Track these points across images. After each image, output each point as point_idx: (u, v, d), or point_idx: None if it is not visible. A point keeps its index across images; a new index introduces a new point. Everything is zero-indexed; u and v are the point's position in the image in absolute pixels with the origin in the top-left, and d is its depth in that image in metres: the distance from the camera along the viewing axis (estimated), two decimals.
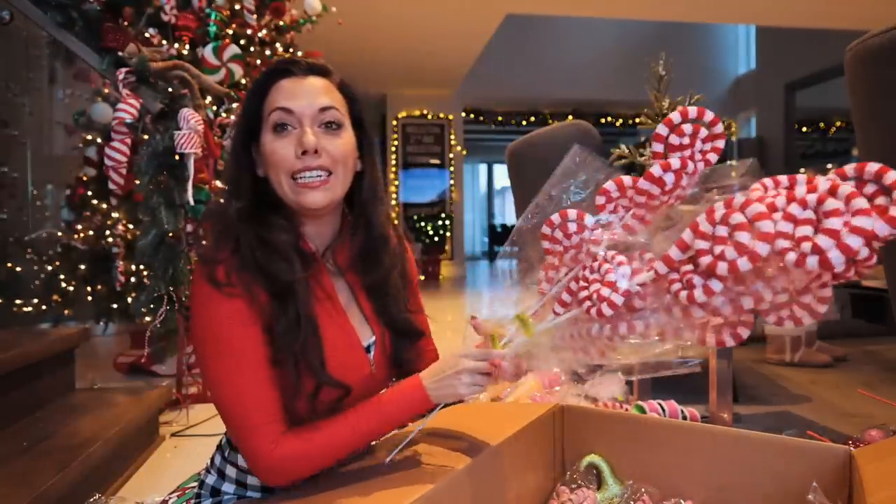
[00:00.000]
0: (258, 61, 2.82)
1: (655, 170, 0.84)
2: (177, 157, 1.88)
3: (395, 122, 8.67)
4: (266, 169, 0.89)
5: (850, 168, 0.68)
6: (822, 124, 10.24)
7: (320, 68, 0.92)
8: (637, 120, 10.10)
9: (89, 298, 2.75)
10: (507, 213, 14.79)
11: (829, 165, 10.56)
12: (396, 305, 0.98)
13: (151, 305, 1.95)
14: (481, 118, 10.19)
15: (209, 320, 0.83)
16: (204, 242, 0.90)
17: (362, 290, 0.97)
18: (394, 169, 8.69)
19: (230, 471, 0.97)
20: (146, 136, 1.90)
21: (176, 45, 2.50)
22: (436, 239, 8.52)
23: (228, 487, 0.97)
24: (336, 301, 0.93)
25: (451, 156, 8.99)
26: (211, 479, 0.99)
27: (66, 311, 2.83)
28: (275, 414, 0.83)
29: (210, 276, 0.83)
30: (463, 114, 9.39)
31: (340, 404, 0.89)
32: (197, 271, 0.86)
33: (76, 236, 2.78)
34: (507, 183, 3.05)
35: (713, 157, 0.87)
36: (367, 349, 0.96)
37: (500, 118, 10.29)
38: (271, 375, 0.83)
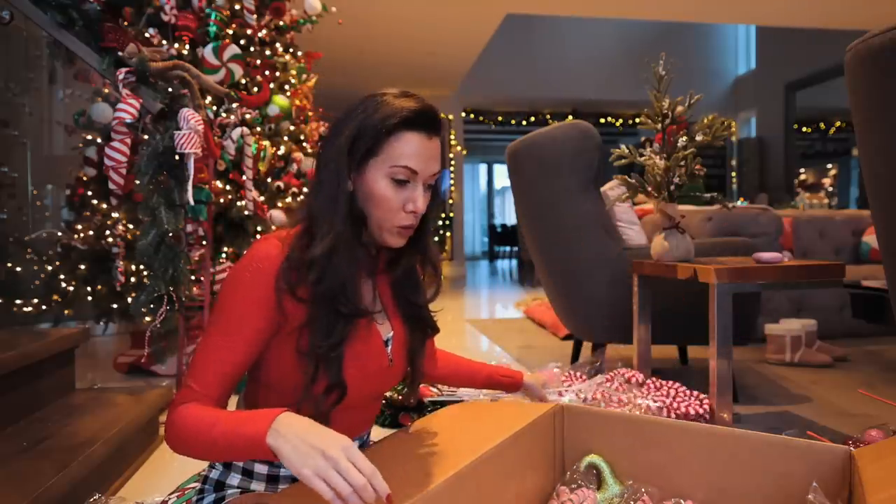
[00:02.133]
0: (258, 61, 2.82)
1: None
2: (177, 157, 1.88)
3: None
4: (366, 202, 0.92)
5: None
6: (822, 124, 10.24)
7: (440, 125, 0.95)
8: (637, 120, 10.11)
9: (89, 298, 2.75)
10: (507, 213, 14.79)
11: (829, 165, 10.57)
12: (418, 298, 1.04)
13: (151, 305, 1.95)
14: (481, 118, 10.19)
15: (237, 284, 0.88)
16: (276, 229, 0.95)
17: (388, 288, 1.03)
18: None
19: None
20: (146, 136, 1.90)
21: (176, 45, 2.50)
22: (436, 239, 8.51)
23: (234, 479, 0.97)
24: (368, 288, 1.00)
25: (451, 156, 8.99)
26: (215, 474, 0.99)
27: (66, 311, 2.83)
28: (210, 386, 0.86)
29: (275, 253, 0.88)
30: (463, 114, 9.39)
31: (342, 405, 0.92)
32: (270, 243, 0.90)
33: (76, 236, 2.78)
34: (507, 183, 3.05)
35: None
36: (386, 343, 1.00)
37: (500, 118, 10.29)
38: (241, 358, 0.87)
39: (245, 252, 0.92)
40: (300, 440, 0.72)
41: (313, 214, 0.91)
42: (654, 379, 1.86)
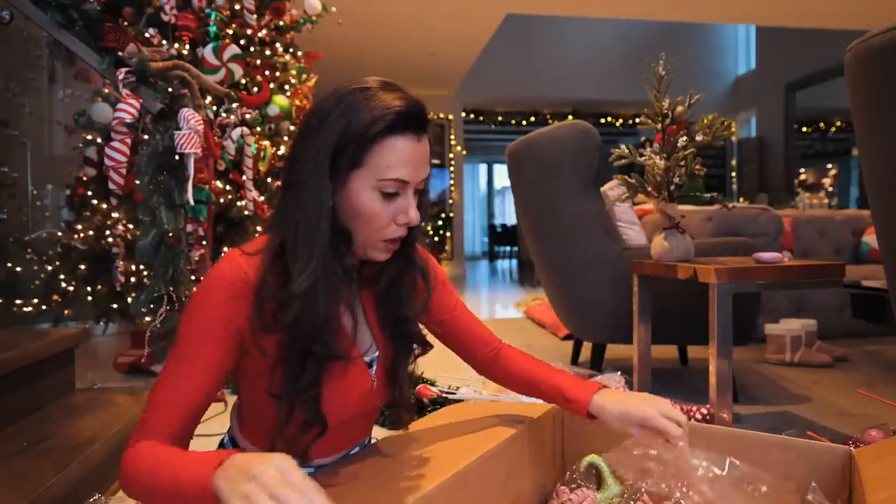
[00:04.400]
0: (258, 61, 2.82)
1: None
2: (177, 157, 1.88)
3: None
4: (350, 215, 0.81)
5: None
6: (822, 124, 10.24)
7: (428, 123, 0.84)
8: (637, 120, 10.11)
9: (89, 298, 2.75)
10: (507, 213, 14.79)
11: (829, 165, 10.57)
12: (403, 311, 0.93)
13: (151, 305, 1.95)
14: (481, 118, 10.19)
15: (201, 308, 0.79)
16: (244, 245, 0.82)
17: (371, 305, 0.94)
18: None
19: None
20: (146, 136, 1.90)
21: (176, 45, 2.50)
22: (436, 239, 8.52)
23: None
24: (347, 317, 0.91)
25: (451, 156, 8.99)
26: None
27: (66, 311, 2.83)
28: (166, 421, 0.76)
29: (240, 277, 0.79)
30: (463, 114, 9.39)
31: (320, 438, 0.86)
32: (229, 262, 0.80)
33: (76, 236, 2.78)
34: (507, 183, 3.05)
35: None
36: (370, 364, 0.93)
37: (500, 118, 10.29)
38: (199, 389, 0.78)
39: (201, 284, 0.82)
40: (234, 468, 0.63)
41: (287, 238, 0.80)
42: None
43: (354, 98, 0.79)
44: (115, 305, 2.73)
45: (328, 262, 0.80)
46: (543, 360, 1.11)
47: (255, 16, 2.81)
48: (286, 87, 2.99)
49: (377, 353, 0.94)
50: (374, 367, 0.94)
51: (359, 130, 0.78)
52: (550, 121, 9.88)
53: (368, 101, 0.79)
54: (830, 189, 10.23)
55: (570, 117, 9.96)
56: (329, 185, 0.79)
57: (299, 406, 0.82)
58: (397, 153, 0.79)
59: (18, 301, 2.81)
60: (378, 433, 1.13)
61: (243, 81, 2.75)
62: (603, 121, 10.38)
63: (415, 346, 0.97)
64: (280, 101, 2.82)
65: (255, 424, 0.94)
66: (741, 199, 8.89)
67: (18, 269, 3.00)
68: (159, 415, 0.77)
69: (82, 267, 2.76)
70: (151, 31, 2.38)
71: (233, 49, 2.56)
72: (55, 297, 2.76)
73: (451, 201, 8.94)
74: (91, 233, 2.76)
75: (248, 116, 2.66)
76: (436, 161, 8.82)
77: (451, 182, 8.97)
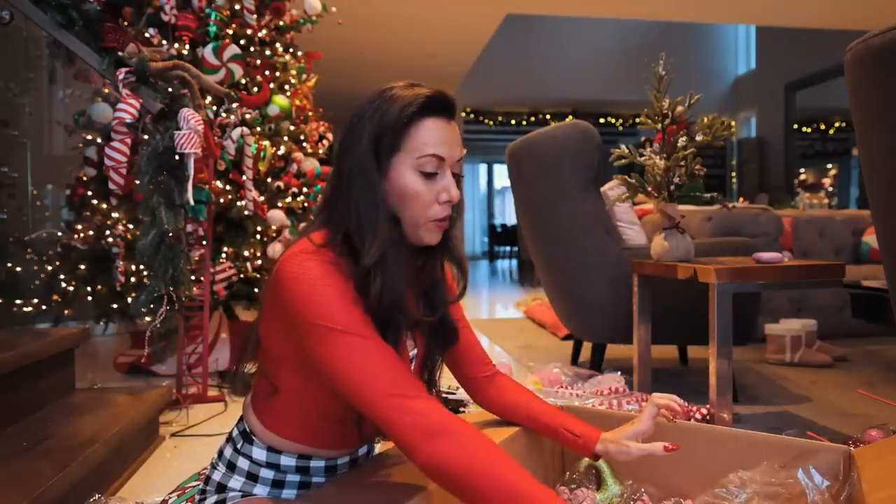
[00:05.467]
0: (258, 61, 2.82)
1: None
2: (177, 157, 1.88)
3: None
4: (400, 203, 0.88)
5: None
6: (822, 124, 10.24)
7: (455, 108, 0.92)
8: (637, 120, 10.10)
9: (89, 298, 2.75)
10: (507, 213, 14.78)
11: (829, 165, 10.57)
12: (444, 297, 0.98)
13: (151, 305, 1.95)
14: (481, 118, 10.20)
15: (325, 296, 0.81)
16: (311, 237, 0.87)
17: (414, 298, 0.97)
18: None
19: (242, 462, 0.97)
20: (146, 136, 1.90)
21: (176, 45, 2.50)
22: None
23: (236, 482, 0.97)
24: None
25: None
26: (217, 475, 0.98)
27: (66, 311, 2.83)
28: (412, 380, 0.81)
29: (329, 268, 0.82)
30: (463, 114, 9.40)
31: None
32: (308, 256, 0.83)
33: (76, 236, 2.78)
34: (507, 183, 3.05)
35: None
36: (412, 360, 0.98)
37: (500, 118, 10.29)
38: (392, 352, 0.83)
39: (287, 273, 0.83)
40: None
41: (350, 227, 0.86)
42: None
43: (386, 95, 0.89)
44: (115, 305, 2.73)
45: (392, 236, 0.86)
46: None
47: (255, 16, 2.81)
48: (286, 87, 2.99)
49: (416, 350, 0.98)
50: (414, 364, 0.98)
51: (394, 118, 0.86)
52: (550, 121, 9.88)
53: (399, 94, 0.88)
54: (830, 189, 10.24)
55: (570, 117, 9.96)
56: (377, 173, 0.86)
57: None
58: (429, 131, 0.87)
59: (18, 301, 2.81)
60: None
61: (243, 81, 2.75)
62: (603, 121, 10.38)
63: (448, 339, 1.00)
64: (280, 101, 2.82)
65: (291, 413, 0.93)
66: (741, 199, 8.89)
67: (18, 269, 3.00)
68: (401, 380, 0.80)
69: (82, 267, 2.76)
70: (151, 31, 2.38)
71: (233, 49, 2.57)
72: (55, 297, 2.76)
73: None
74: (91, 233, 2.76)
75: (248, 116, 2.66)
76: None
77: None
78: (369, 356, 0.80)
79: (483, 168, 14.83)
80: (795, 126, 9.25)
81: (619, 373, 2.26)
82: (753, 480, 0.95)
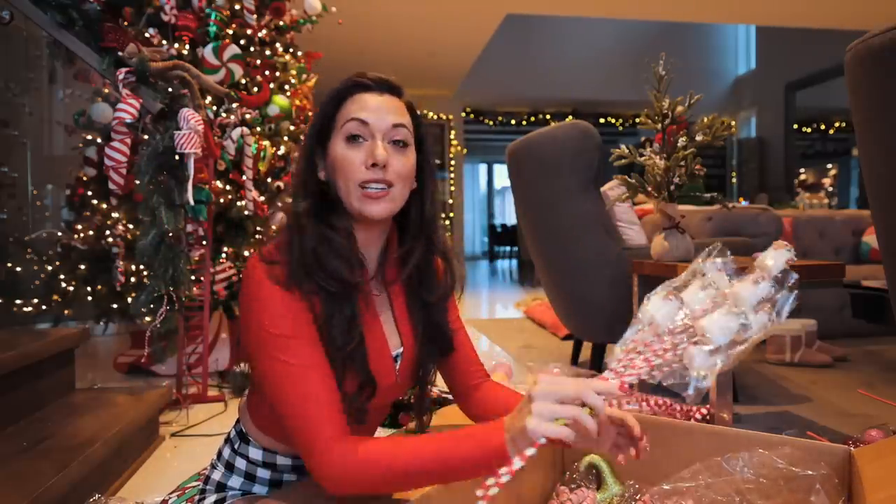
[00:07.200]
0: (258, 61, 2.82)
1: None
2: (177, 157, 1.88)
3: None
4: (333, 174, 0.90)
5: None
6: (822, 124, 10.24)
7: (396, 88, 0.94)
8: (637, 120, 10.10)
9: (89, 298, 2.75)
10: (507, 213, 14.79)
11: (829, 165, 10.57)
12: (439, 313, 0.99)
13: (151, 305, 1.95)
14: (481, 118, 10.19)
15: (274, 317, 0.83)
16: (266, 245, 0.88)
17: (400, 299, 0.98)
18: None
19: (240, 463, 0.97)
20: (146, 136, 1.90)
21: (176, 45, 2.50)
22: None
23: (235, 482, 0.97)
24: (373, 308, 0.94)
25: (451, 156, 8.99)
26: (217, 475, 0.99)
27: (66, 311, 2.83)
28: (342, 417, 0.82)
29: (271, 275, 0.84)
30: (463, 114, 9.40)
31: (364, 408, 0.90)
32: (257, 269, 0.86)
33: (76, 236, 2.78)
34: (507, 183, 3.05)
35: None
36: (395, 359, 0.97)
37: (500, 118, 10.29)
38: (332, 375, 0.84)
39: (249, 298, 0.86)
40: (516, 416, 0.74)
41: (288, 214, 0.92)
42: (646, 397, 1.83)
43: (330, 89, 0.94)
44: (115, 305, 2.73)
45: (309, 209, 0.89)
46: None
47: (255, 16, 2.81)
48: (286, 87, 2.99)
49: (401, 349, 0.97)
50: (399, 363, 0.97)
51: (328, 105, 0.91)
52: (550, 121, 9.88)
53: (338, 84, 0.93)
54: (830, 189, 10.24)
55: (570, 117, 9.96)
56: (312, 154, 0.92)
57: (351, 369, 0.86)
58: (356, 102, 0.90)
59: (18, 301, 2.81)
60: (378, 433, 1.13)
61: (243, 81, 2.75)
62: (603, 121, 10.38)
63: (442, 347, 1.00)
64: (280, 101, 2.82)
65: (272, 413, 0.93)
66: (741, 200, 8.89)
67: (18, 269, 3.00)
68: (330, 418, 0.81)
69: (82, 267, 2.76)
70: (151, 31, 2.38)
71: (233, 49, 2.57)
72: (55, 297, 2.76)
73: (451, 201, 8.94)
74: (91, 233, 2.76)
75: (248, 116, 2.66)
76: (436, 161, 8.81)
77: (451, 182, 8.97)
78: (307, 392, 0.81)
79: (483, 168, 14.83)
80: (795, 126, 9.25)
81: None
82: (753, 480, 0.95)
